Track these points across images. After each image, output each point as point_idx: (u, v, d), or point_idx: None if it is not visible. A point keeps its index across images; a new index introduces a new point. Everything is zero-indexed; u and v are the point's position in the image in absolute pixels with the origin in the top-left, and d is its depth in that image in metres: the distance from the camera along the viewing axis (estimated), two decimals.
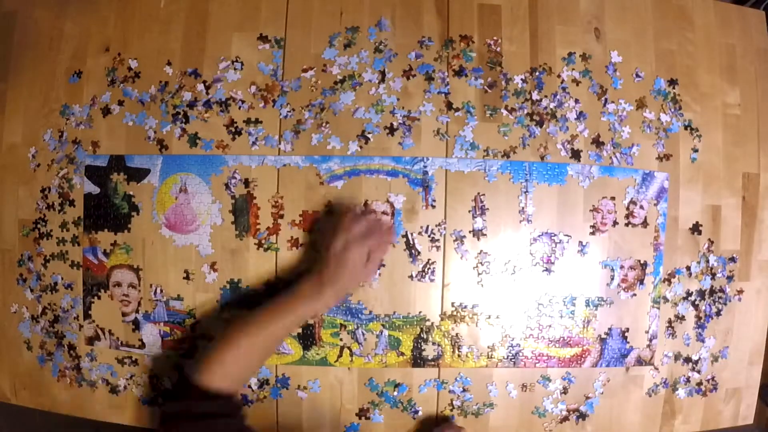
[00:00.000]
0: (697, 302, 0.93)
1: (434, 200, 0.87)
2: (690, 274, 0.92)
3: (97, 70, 0.91)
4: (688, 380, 0.94)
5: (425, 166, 0.87)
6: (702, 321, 0.93)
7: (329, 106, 0.87)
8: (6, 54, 0.95)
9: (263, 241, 0.87)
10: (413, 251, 0.87)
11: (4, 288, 0.96)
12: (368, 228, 0.74)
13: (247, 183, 0.87)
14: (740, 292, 0.94)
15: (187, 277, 0.88)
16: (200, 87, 0.88)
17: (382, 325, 0.88)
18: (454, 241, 0.87)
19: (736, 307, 0.95)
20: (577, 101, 0.89)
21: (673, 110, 0.92)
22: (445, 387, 0.89)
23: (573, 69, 0.89)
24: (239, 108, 0.88)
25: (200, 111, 0.88)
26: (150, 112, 0.89)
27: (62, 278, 0.92)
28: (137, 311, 0.90)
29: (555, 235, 0.88)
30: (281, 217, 0.87)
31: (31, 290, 0.94)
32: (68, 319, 0.92)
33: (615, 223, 0.90)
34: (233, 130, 0.88)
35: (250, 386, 0.89)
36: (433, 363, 0.89)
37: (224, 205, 0.88)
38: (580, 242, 0.89)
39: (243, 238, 0.87)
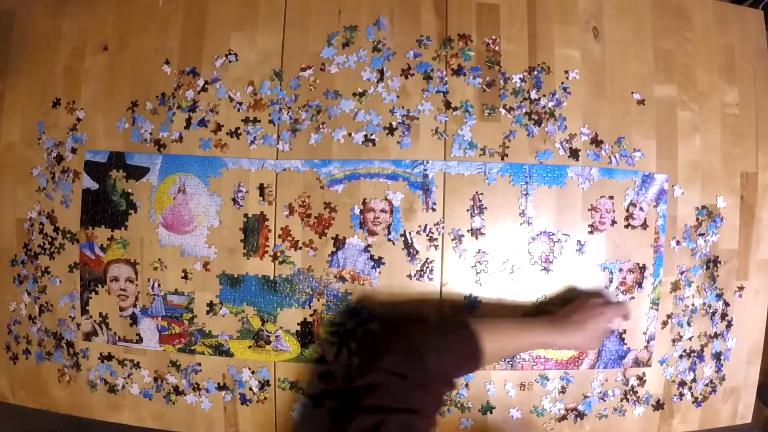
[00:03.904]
0: (697, 309, 0.93)
1: (434, 203, 0.87)
2: (689, 283, 0.92)
3: (95, 67, 0.92)
4: (684, 383, 0.94)
5: (425, 169, 0.87)
6: (703, 333, 0.94)
7: (326, 110, 0.87)
8: (4, 53, 0.95)
9: (278, 254, 0.87)
10: (411, 250, 0.87)
11: (1, 287, 0.96)
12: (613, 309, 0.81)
13: (261, 190, 0.87)
14: (740, 288, 0.94)
15: (185, 278, 0.88)
16: (199, 84, 0.89)
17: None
18: (453, 240, 0.87)
19: (735, 307, 0.95)
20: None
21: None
22: None
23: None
24: (237, 110, 0.88)
25: (201, 110, 0.88)
26: (158, 118, 0.89)
27: (60, 281, 0.92)
28: (135, 306, 0.90)
29: (553, 234, 0.88)
30: (308, 216, 0.87)
31: (28, 293, 0.94)
32: (66, 321, 0.92)
33: (614, 222, 0.90)
34: (231, 129, 0.88)
35: (250, 388, 0.89)
36: None
37: (222, 207, 0.88)
38: (579, 241, 0.89)
39: (250, 257, 0.87)
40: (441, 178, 0.87)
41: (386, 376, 0.62)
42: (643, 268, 0.90)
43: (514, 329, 0.75)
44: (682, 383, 0.94)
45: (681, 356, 0.93)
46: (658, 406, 0.93)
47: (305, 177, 0.87)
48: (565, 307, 0.82)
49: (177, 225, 0.88)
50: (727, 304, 0.94)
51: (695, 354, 0.94)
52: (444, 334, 0.71)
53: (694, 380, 0.94)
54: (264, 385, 0.89)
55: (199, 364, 0.90)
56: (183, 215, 0.88)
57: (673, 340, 0.93)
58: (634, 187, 0.90)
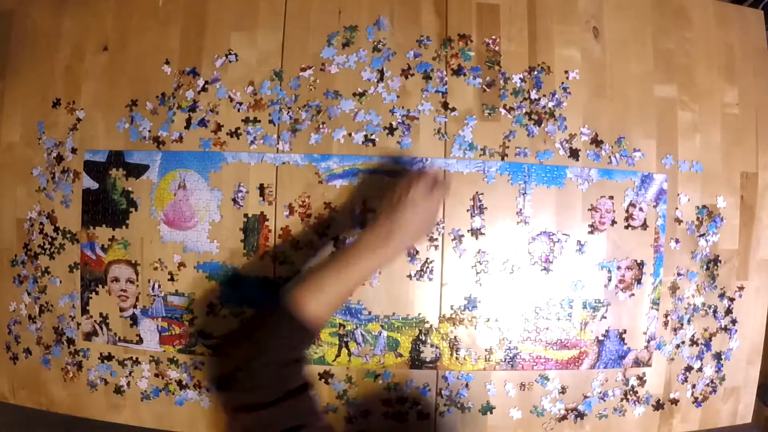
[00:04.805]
0: (699, 308, 0.93)
1: None
2: (690, 282, 0.92)
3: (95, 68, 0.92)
4: (686, 379, 0.94)
5: (424, 167, 0.87)
6: (704, 333, 0.94)
7: (326, 110, 0.87)
8: (4, 53, 0.95)
9: (279, 255, 0.87)
10: (411, 250, 0.87)
11: (1, 287, 0.96)
12: (430, 181, 0.74)
13: (261, 190, 0.87)
14: (740, 288, 0.94)
15: (185, 274, 0.88)
16: (199, 84, 0.89)
17: (381, 326, 0.88)
18: (453, 240, 0.87)
19: (735, 307, 0.95)
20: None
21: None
22: (444, 384, 0.89)
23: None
24: (237, 110, 0.88)
25: (201, 110, 0.88)
26: (158, 118, 0.89)
27: (60, 281, 0.92)
28: (135, 306, 0.90)
29: (553, 234, 0.88)
30: (308, 216, 0.87)
31: (28, 293, 0.94)
32: (65, 318, 0.92)
33: (614, 222, 0.90)
34: (231, 129, 0.88)
35: None
36: (431, 365, 0.89)
37: (222, 201, 0.88)
38: (579, 241, 0.89)
39: (250, 257, 0.87)
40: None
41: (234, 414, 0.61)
42: (641, 265, 0.90)
43: (333, 275, 0.68)
44: (688, 368, 0.93)
45: (682, 356, 0.93)
46: (658, 406, 0.93)
47: (304, 172, 0.87)
48: (380, 214, 0.73)
49: (178, 221, 0.88)
50: (731, 300, 0.94)
51: (697, 346, 0.93)
52: (261, 324, 0.66)
53: (700, 369, 0.94)
54: None
55: (202, 363, 0.90)
56: (184, 211, 0.88)
57: (674, 340, 0.93)
58: (633, 187, 0.90)
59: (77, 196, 0.91)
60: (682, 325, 0.93)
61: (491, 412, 0.90)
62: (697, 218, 0.92)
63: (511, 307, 0.88)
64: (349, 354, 0.88)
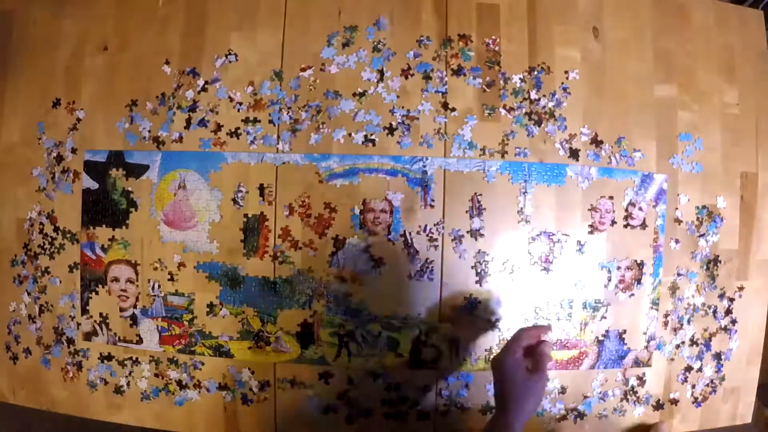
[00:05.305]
0: (699, 308, 0.93)
1: (433, 200, 0.87)
2: (689, 282, 0.92)
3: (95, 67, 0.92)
4: (686, 379, 0.94)
5: (424, 166, 0.87)
6: (704, 333, 0.94)
7: (326, 109, 0.87)
8: (4, 53, 0.95)
9: (278, 255, 0.87)
10: (411, 250, 0.87)
11: (1, 287, 0.96)
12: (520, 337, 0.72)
13: (261, 190, 0.87)
14: (740, 288, 0.94)
15: (185, 274, 0.88)
16: (199, 84, 0.89)
17: (381, 326, 0.87)
18: (453, 240, 0.87)
19: (735, 307, 0.95)
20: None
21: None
22: (444, 384, 0.89)
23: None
24: (237, 110, 0.88)
25: (201, 110, 0.88)
26: (158, 118, 0.89)
27: (60, 281, 0.92)
28: (135, 306, 0.90)
29: (553, 234, 0.88)
30: (308, 216, 0.86)
31: (28, 293, 0.94)
32: (65, 318, 0.92)
33: (613, 222, 0.90)
34: (231, 129, 0.88)
35: (251, 388, 0.89)
36: (431, 365, 0.89)
37: (222, 201, 0.88)
38: (579, 242, 0.89)
39: (250, 257, 0.87)
40: (440, 175, 0.87)
41: None
42: (641, 265, 0.90)
43: None
44: (688, 368, 0.93)
45: (682, 356, 0.93)
46: (658, 406, 0.93)
47: (304, 172, 0.87)
48: (498, 403, 0.72)
49: (178, 221, 0.89)
50: (731, 300, 0.94)
51: (697, 346, 0.93)
52: None
53: (700, 369, 0.94)
54: (264, 385, 0.89)
55: (202, 363, 0.90)
56: (184, 211, 0.88)
57: (674, 340, 0.93)
58: (633, 186, 0.90)
59: (77, 195, 0.91)
60: (681, 325, 0.93)
61: (491, 412, 0.90)
62: (697, 218, 0.92)
63: (511, 307, 0.88)
64: (349, 354, 0.88)
